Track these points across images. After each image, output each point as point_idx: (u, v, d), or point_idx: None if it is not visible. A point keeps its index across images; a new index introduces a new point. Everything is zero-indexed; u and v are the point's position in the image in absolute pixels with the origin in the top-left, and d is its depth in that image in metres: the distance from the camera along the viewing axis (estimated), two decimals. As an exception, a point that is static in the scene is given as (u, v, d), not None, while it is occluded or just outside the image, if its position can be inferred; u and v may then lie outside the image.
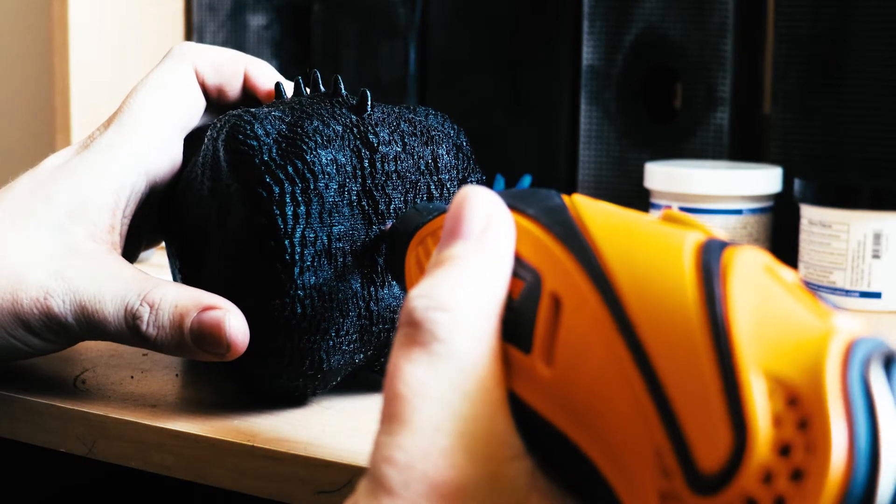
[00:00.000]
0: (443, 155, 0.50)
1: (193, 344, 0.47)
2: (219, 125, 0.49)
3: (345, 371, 0.49)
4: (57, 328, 0.49)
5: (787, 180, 0.78)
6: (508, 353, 0.32)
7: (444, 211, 0.40)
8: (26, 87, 1.17)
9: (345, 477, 0.44)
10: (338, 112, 0.49)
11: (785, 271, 0.29)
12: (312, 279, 0.46)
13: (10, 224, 0.50)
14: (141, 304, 0.48)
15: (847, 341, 0.26)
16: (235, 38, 1.02)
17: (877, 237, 0.68)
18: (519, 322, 0.32)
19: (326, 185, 0.47)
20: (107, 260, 0.50)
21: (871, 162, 0.79)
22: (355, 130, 0.48)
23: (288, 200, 0.46)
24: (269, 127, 0.47)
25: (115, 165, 0.52)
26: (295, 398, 0.50)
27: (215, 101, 0.56)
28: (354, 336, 0.48)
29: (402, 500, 0.30)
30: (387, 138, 0.48)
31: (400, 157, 0.48)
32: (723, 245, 0.29)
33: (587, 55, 0.88)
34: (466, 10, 0.93)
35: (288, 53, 1.02)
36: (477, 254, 0.33)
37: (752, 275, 0.28)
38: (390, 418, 0.31)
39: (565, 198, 0.35)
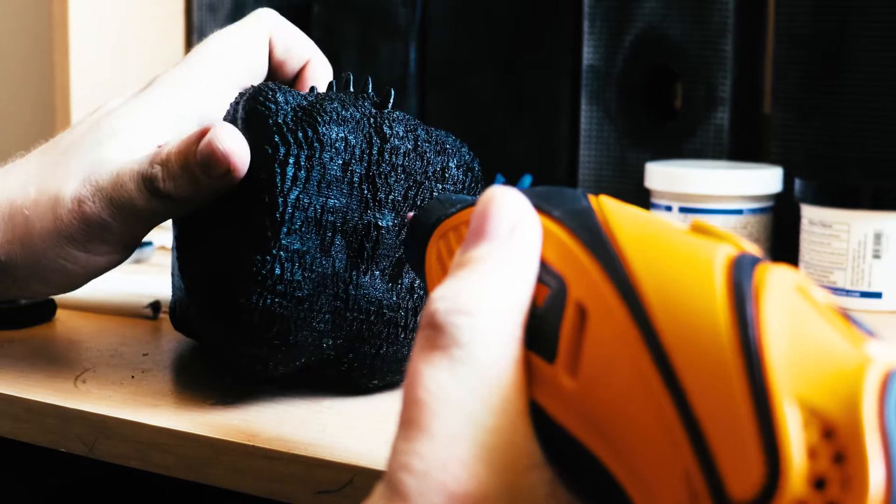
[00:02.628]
0: (452, 168, 0.51)
1: (204, 175, 0.49)
2: (245, 93, 0.51)
3: (311, 355, 0.49)
4: (97, 231, 0.51)
5: (788, 180, 0.78)
6: (531, 360, 0.31)
7: (468, 204, 0.39)
8: (26, 87, 1.17)
9: (345, 477, 0.44)
10: (359, 103, 0.50)
11: (817, 291, 0.28)
12: (297, 244, 0.47)
13: (62, 156, 0.52)
14: (152, 167, 0.50)
15: (884, 372, 0.25)
16: (235, 38, 1.02)
17: (877, 237, 0.68)
18: (543, 330, 0.31)
19: (331, 158, 0.48)
20: (127, 162, 0.52)
21: (871, 162, 0.79)
22: (372, 120, 0.50)
23: (291, 162, 0.47)
24: (291, 98, 0.50)
25: (172, 102, 0.54)
26: (259, 375, 0.50)
27: (270, 73, 0.58)
28: (327, 316, 0.48)
29: None
30: (401, 133, 0.50)
31: (409, 154, 0.50)
32: (754, 261, 0.29)
33: (587, 55, 0.88)
34: (466, 10, 0.93)
35: (288, 53, 1.02)
36: (502, 257, 0.32)
37: (785, 296, 0.27)
38: (409, 424, 0.30)
39: (592, 199, 0.33)
